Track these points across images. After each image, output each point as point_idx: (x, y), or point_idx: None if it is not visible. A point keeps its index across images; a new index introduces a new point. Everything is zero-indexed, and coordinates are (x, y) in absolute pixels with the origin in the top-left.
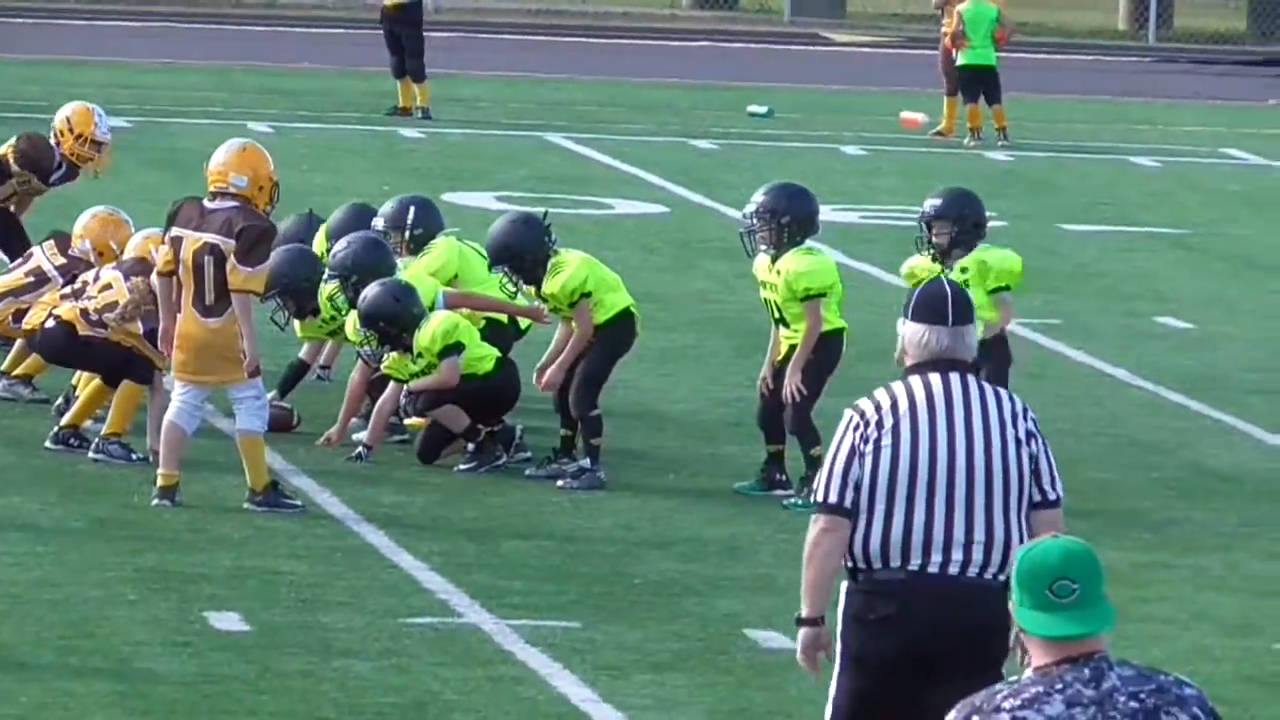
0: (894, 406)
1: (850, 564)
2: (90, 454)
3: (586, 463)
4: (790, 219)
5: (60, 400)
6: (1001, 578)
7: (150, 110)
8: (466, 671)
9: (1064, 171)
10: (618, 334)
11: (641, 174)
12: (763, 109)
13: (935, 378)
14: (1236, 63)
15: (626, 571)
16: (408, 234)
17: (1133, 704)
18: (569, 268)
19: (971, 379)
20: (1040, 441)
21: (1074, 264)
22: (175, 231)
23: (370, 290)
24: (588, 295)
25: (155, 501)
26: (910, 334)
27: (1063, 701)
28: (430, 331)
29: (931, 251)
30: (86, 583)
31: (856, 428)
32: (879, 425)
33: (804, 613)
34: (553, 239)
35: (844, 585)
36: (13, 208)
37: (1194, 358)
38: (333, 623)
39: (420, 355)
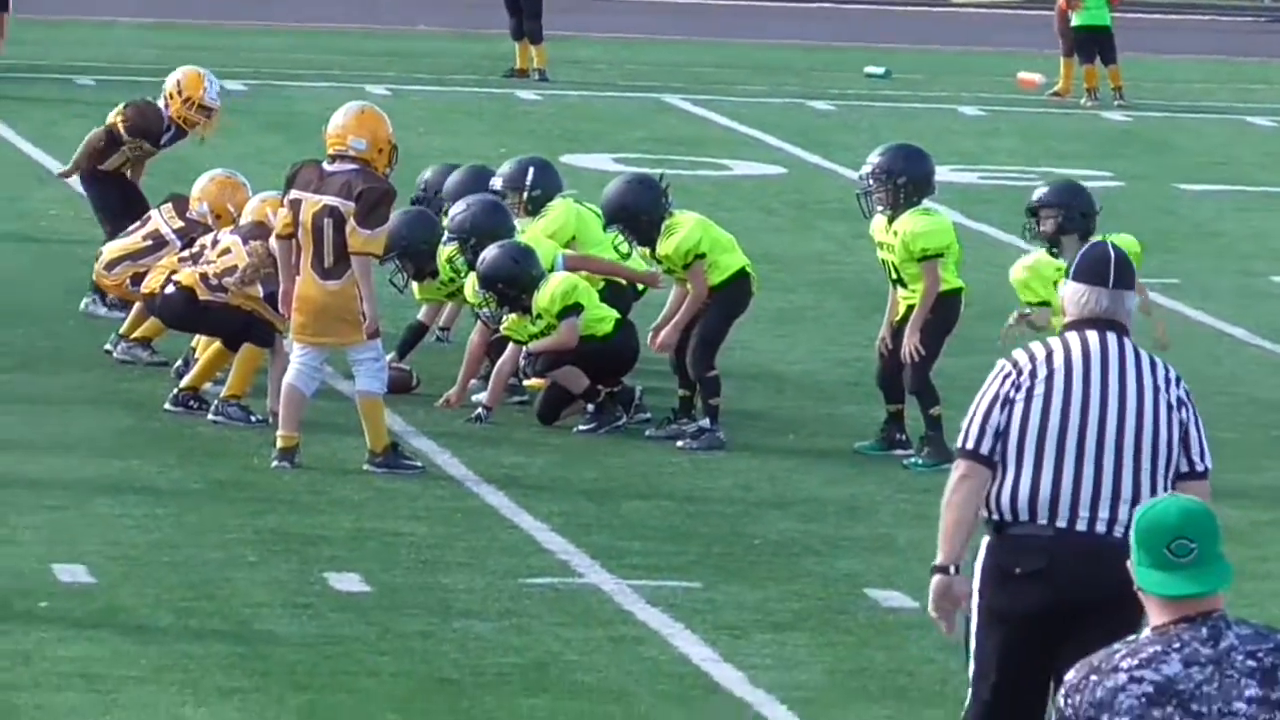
0: (1049, 358)
1: (996, 517)
2: (209, 416)
3: (706, 423)
4: (906, 179)
5: (179, 363)
6: None
7: (267, 74)
8: (587, 632)
9: (1180, 131)
10: (733, 295)
11: (759, 135)
12: (880, 70)
13: (1093, 335)
14: None
15: (746, 532)
16: (526, 195)
17: (1250, 663)
18: (683, 229)
19: (1127, 341)
20: (1191, 410)
21: (1191, 224)
22: (294, 194)
23: (489, 252)
24: (702, 256)
25: (275, 463)
26: (1071, 293)
27: (1180, 660)
28: (549, 292)
29: (1039, 241)
30: (206, 545)
31: (1008, 376)
32: (1033, 375)
33: (937, 559)
34: (668, 201)
35: (984, 540)
36: (128, 173)
37: None
38: (453, 584)
39: (539, 316)
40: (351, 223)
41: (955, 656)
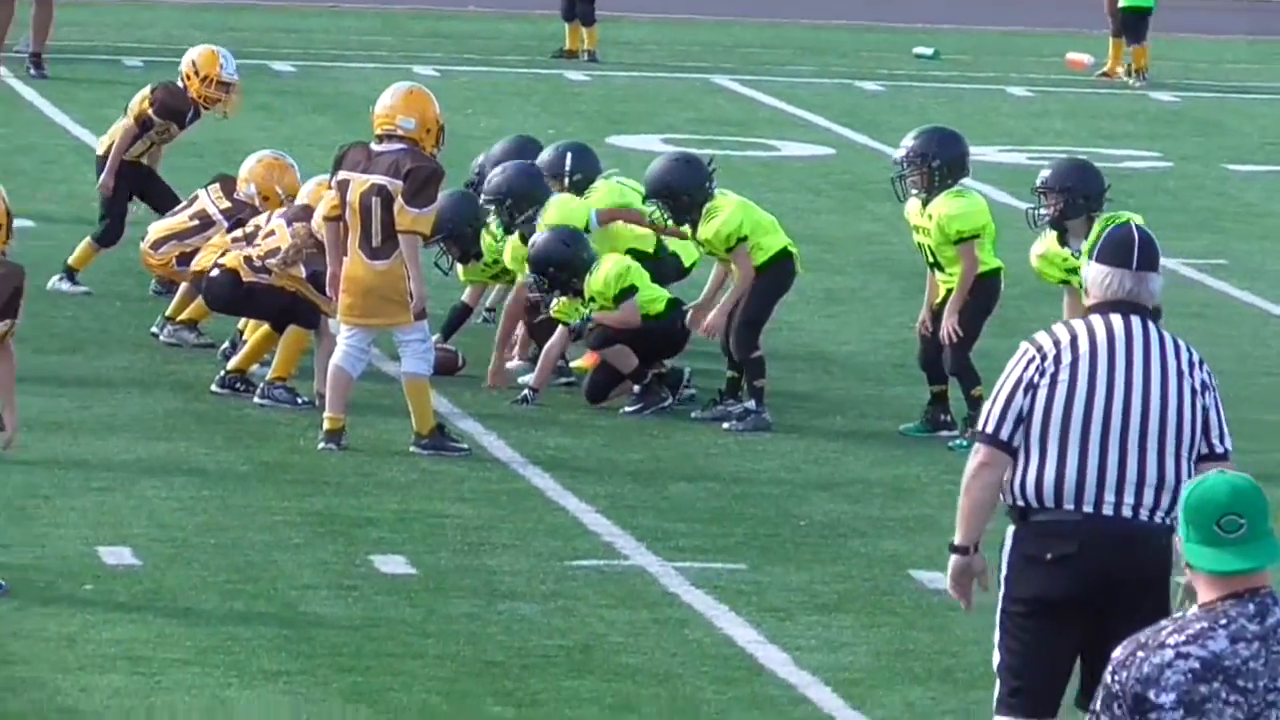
0: (1073, 343)
1: (1021, 504)
2: (256, 398)
3: (751, 404)
4: (940, 162)
5: (226, 345)
6: (1169, 520)
7: (314, 55)
8: (632, 614)
9: (1230, 112)
10: (775, 275)
11: (808, 116)
12: (929, 50)
13: (1116, 318)
14: None
15: (792, 513)
16: (567, 180)
17: None
18: (724, 212)
19: (1151, 324)
20: (1213, 394)
21: (1240, 204)
22: (342, 175)
23: (539, 237)
24: (744, 239)
25: (321, 445)
26: (1094, 275)
27: (1227, 637)
28: (602, 276)
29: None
30: (252, 527)
31: (1031, 360)
32: (1056, 360)
33: (956, 540)
34: (712, 184)
35: (1010, 530)
36: (145, 160)
37: None
38: (498, 565)
39: (592, 299)
40: (400, 201)
41: None
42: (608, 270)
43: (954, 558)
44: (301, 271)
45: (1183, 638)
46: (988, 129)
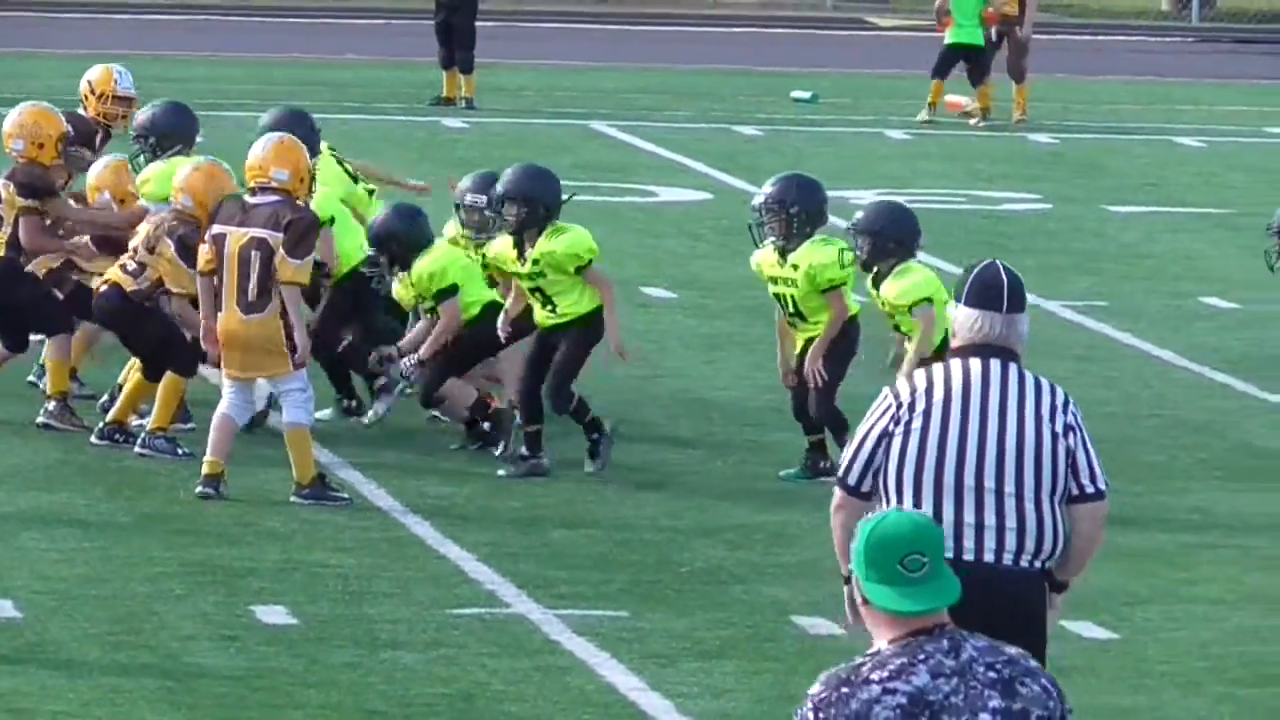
0: (929, 390)
1: None
2: (136, 449)
3: (524, 450)
4: (799, 209)
5: (105, 397)
6: (1037, 564)
7: (192, 105)
8: (514, 662)
9: (1109, 153)
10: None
11: (686, 161)
12: (807, 94)
13: (976, 363)
14: None
15: (673, 559)
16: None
17: (991, 674)
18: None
19: (1013, 367)
20: (1079, 435)
21: (1119, 245)
22: (217, 229)
23: (381, 214)
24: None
25: (199, 489)
26: (962, 318)
27: (928, 672)
28: (424, 266)
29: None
30: (134, 578)
31: (888, 410)
32: (911, 408)
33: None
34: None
35: None
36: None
37: (1240, 338)
38: (380, 614)
39: (414, 284)
40: (281, 253)
41: None
42: (426, 266)
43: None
44: (169, 247)
45: (885, 674)
46: (867, 172)
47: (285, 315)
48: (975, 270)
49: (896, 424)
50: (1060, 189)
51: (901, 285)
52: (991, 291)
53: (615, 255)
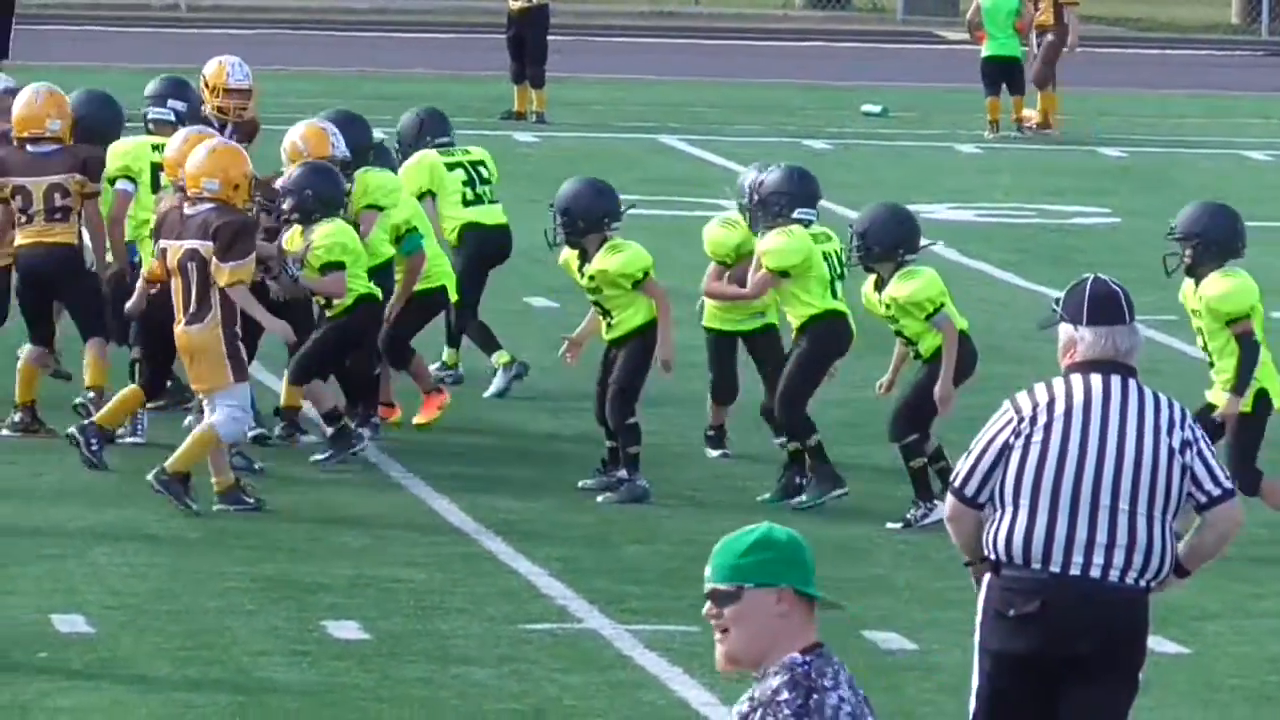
0: (1050, 405)
1: (994, 557)
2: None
3: (623, 473)
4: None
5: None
6: (1143, 582)
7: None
8: (586, 677)
9: (1177, 166)
10: (651, 342)
11: None
12: (877, 108)
13: (1096, 379)
14: None
15: None
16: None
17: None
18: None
19: (1133, 382)
20: (1196, 448)
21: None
22: (162, 243)
23: (299, 168)
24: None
25: (216, 507)
26: (1090, 336)
27: (846, 682)
28: (318, 236)
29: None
30: (205, 593)
31: (1009, 422)
32: (1033, 421)
33: (964, 559)
34: (613, 221)
35: (986, 577)
36: None
37: None
38: (451, 630)
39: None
40: (214, 261)
41: (953, 698)
42: (321, 235)
43: (970, 569)
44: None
45: (829, 682)
46: (936, 186)
47: (226, 326)
48: (1085, 289)
49: (1017, 436)
50: (1129, 202)
51: (913, 286)
52: (1113, 305)
53: (686, 269)
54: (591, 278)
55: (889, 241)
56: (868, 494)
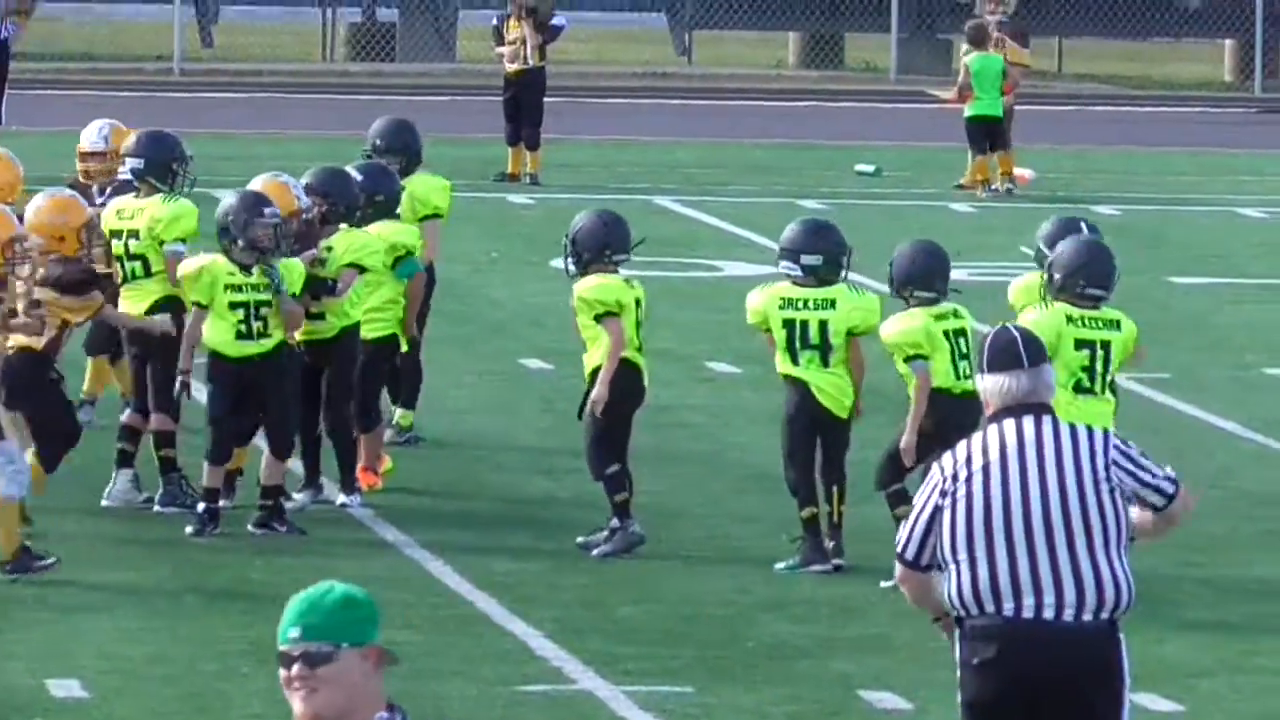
0: (969, 459)
1: (956, 612)
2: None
3: (614, 522)
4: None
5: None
6: (1104, 616)
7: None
8: None
9: (1172, 224)
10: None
11: (750, 235)
12: (870, 168)
13: (1010, 424)
14: None
15: (740, 634)
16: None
17: None
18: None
19: (1047, 420)
20: (1126, 466)
21: (1183, 316)
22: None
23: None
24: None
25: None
26: (990, 386)
27: None
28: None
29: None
30: (200, 656)
31: (935, 486)
32: (955, 479)
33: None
34: (614, 255)
35: (957, 631)
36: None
37: None
38: (446, 692)
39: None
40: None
41: None
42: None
43: (935, 625)
44: (35, 273)
45: None
46: None
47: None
48: (988, 339)
49: (944, 495)
50: (1123, 260)
51: (895, 326)
52: (1008, 352)
53: (680, 330)
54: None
55: (901, 276)
56: (863, 554)
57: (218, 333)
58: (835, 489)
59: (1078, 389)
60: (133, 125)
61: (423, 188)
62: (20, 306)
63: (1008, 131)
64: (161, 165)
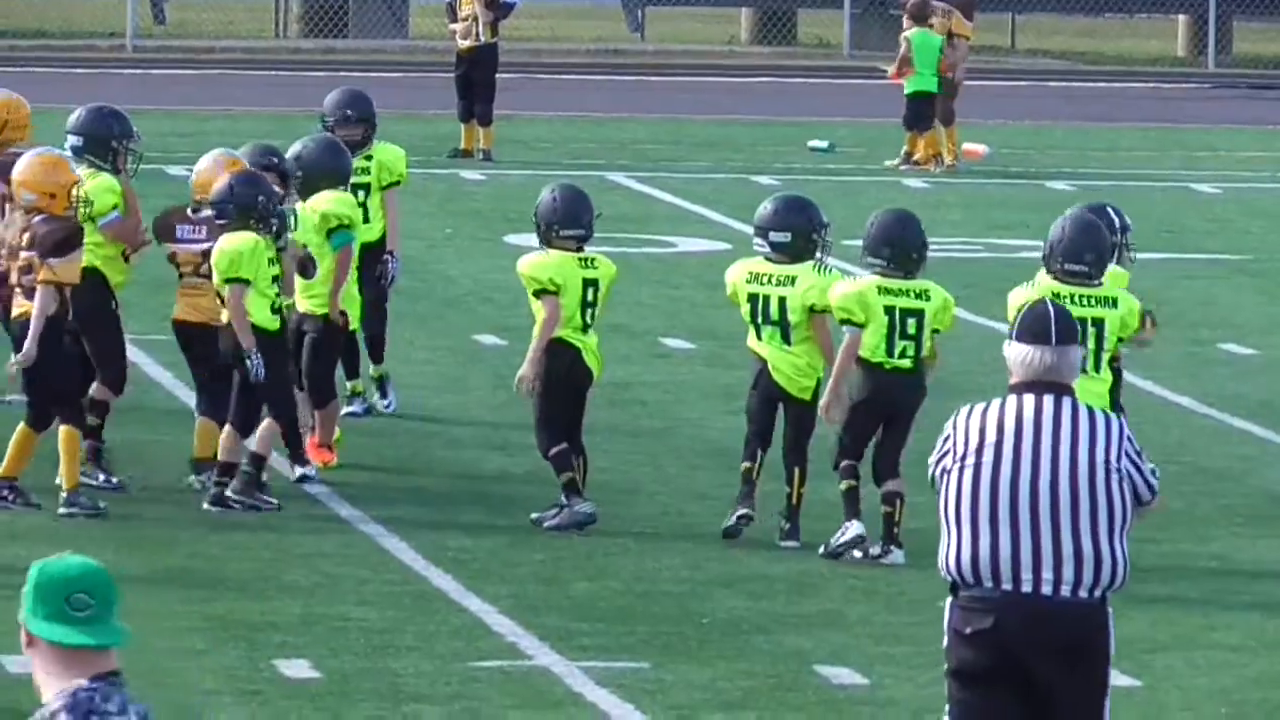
0: (983, 429)
1: (950, 579)
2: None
3: (562, 498)
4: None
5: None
6: (1096, 594)
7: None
8: (537, 714)
9: (1126, 200)
10: (549, 367)
11: (704, 211)
12: (824, 144)
13: (1030, 399)
14: None
15: (695, 610)
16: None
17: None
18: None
19: (1066, 400)
20: (1132, 461)
21: (1137, 292)
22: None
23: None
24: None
25: None
26: (1014, 354)
27: (135, 713)
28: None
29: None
30: (155, 633)
31: (947, 453)
32: (966, 444)
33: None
34: (559, 230)
35: (948, 600)
36: None
37: (1259, 384)
38: (403, 668)
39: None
40: (38, 262)
41: None
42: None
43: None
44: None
45: (114, 708)
46: None
47: None
48: (1025, 308)
49: (954, 460)
50: None
51: (836, 289)
52: (1039, 325)
53: (634, 306)
54: None
55: (864, 242)
56: (819, 530)
57: (260, 309)
58: (796, 470)
59: None
60: (85, 102)
61: (390, 155)
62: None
63: (950, 106)
64: (100, 142)
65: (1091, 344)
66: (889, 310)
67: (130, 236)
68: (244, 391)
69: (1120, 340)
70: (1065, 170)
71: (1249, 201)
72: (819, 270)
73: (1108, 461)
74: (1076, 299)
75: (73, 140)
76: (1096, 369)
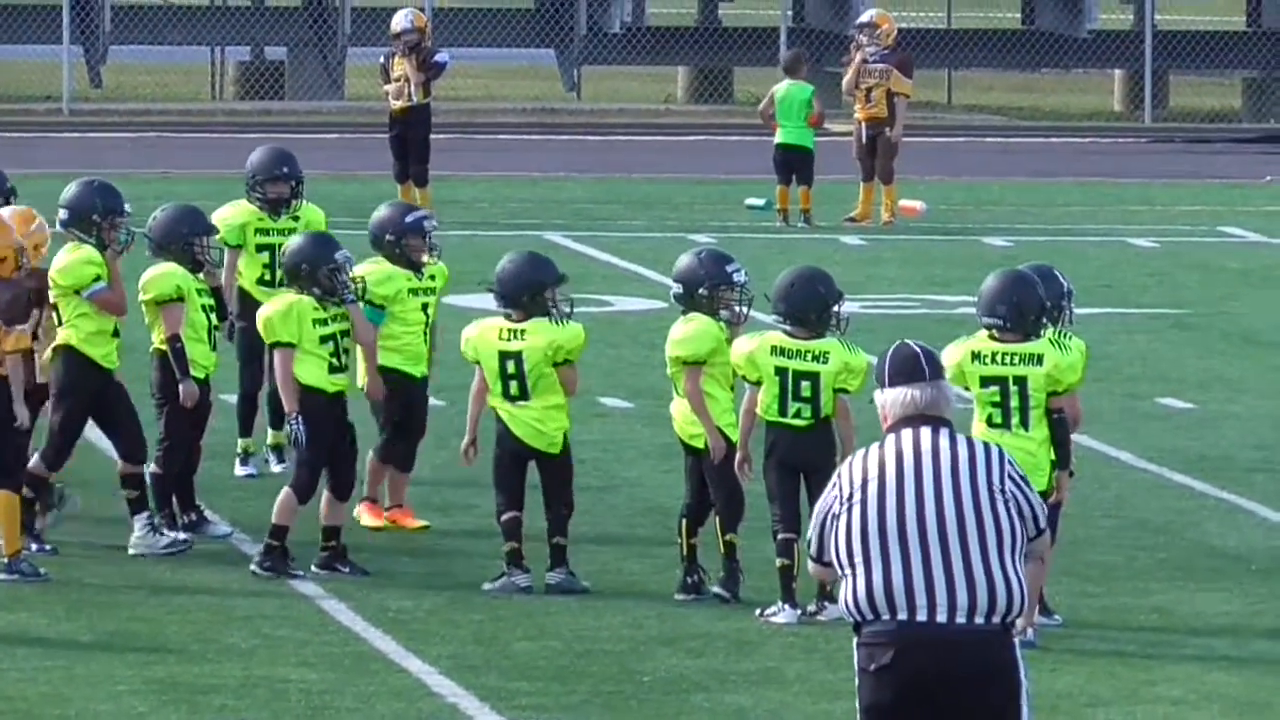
0: (865, 467)
1: (853, 619)
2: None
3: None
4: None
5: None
6: (995, 620)
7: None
8: None
9: (1063, 254)
10: None
11: (641, 270)
12: (760, 201)
13: (908, 433)
14: (1232, 140)
15: (635, 669)
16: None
17: None
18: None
19: (945, 431)
20: (1016, 485)
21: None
22: None
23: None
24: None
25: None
26: (890, 398)
27: None
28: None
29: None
30: (96, 697)
31: (835, 494)
32: (851, 483)
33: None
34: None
35: (855, 639)
36: None
37: (1197, 438)
38: None
39: None
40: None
41: None
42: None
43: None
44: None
45: None
46: None
47: None
48: (888, 353)
49: (841, 503)
50: None
51: (739, 346)
52: (909, 365)
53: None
54: None
55: (773, 300)
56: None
57: (311, 370)
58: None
59: (990, 423)
60: (22, 168)
61: (317, 216)
62: None
63: (889, 165)
64: (82, 216)
65: (1015, 401)
66: (780, 371)
67: (116, 307)
68: (348, 452)
69: (1055, 394)
70: (1002, 226)
71: (1186, 255)
72: (847, 348)
73: (990, 484)
74: (997, 357)
75: (60, 214)
76: (1024, 426)
